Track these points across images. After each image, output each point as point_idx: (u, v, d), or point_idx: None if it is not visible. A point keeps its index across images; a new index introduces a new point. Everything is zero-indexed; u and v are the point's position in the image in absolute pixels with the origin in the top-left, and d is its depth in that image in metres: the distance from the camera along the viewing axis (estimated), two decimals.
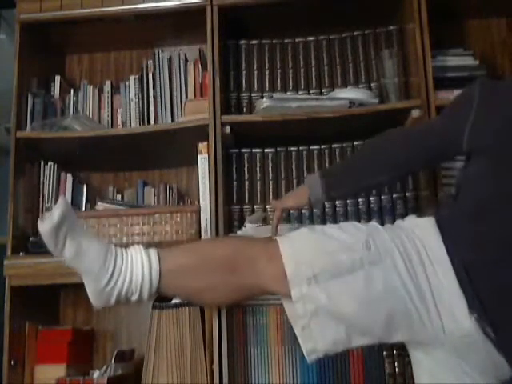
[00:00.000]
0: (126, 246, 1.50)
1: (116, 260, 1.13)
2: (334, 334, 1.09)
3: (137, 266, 1.13)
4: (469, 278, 1.07)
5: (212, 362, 1.55)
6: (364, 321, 1.09)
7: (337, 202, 1.76)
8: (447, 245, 1.10)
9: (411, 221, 1.21)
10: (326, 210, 1.76)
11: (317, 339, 1.10)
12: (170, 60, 1.99)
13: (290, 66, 1.88)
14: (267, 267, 1.13)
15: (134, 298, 1.15)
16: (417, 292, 1.07)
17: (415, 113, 1.63)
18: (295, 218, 1.75)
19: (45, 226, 1.08)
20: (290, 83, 1.87)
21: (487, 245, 1.09)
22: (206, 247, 1.26)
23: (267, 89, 1.86)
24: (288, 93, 1.86)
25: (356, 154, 1.37)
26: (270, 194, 1.77)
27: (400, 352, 1.59)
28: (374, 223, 1.19)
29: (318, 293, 1.08)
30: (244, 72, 1.87)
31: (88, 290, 1.15)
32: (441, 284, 1.08)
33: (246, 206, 1.78)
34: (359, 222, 1.25)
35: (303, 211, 1.76)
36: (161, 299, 1.59)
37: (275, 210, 1.47)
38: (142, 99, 1.99)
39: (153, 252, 1.16)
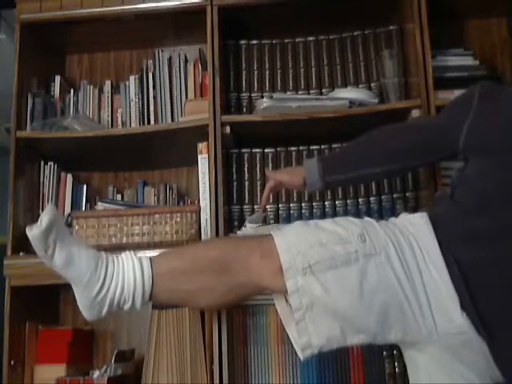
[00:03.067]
0: (126, 246, 1.50)
1: (107, 267, 1.12)
2: (328, 329, 1.09)
3: (128, 272, 1.13)
4: (462, 275, 1.07)
5: (212, 362, 1.55)
6: (358, 315, 1.09)
7: (337, 202, 1.76)
8: (441, 241, 1.11)
9: (404, 217, 1.22)
10: (326, 209, 1.76)
11: (311, 334, 1.09)
12: (169, 60, 1.99)
13: (290, 66, 1.88)
14: (261, 263, 1.13)
15: (127, 306, 1.14)
16: (410, 287, 1.08)
17: (415, 113, 1.64)
18: (295, 218, 1.75)
19: (33, 231, 1.07)
20: (290, 83, 1.87)
21: (485, 242, 1.09)
22: (197, 249, 1.25)
23: (267, 89, 1.86)
24: (288, 93, 1.86)
25: (355, 142, 1.36)
26: (270, 196, 1.77)
27: (400, 352, 1.58)
28: (368, 218, 1.20)
29: (313, 284, 1.08)
30: (244, 72, 1.87)
31: (79, 302, 1.14)
32: (434, 280, 1.08)
33: (246, 206, 1.78)
34: None
35: (303, 211, 1.76)
36: None
37: (268, 180, 1.48)
38: (142, 99, 1.99)
39: (144, 257, 1.16)
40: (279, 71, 1.88)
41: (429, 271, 1.09)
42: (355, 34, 1.88)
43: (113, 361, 1.68)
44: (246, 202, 1.78)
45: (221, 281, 1.15)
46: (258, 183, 1.78)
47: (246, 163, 1.80)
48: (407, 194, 1.75)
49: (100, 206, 1.80)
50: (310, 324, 1.09)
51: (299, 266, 1.09)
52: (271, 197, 1.75)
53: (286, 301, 1.16)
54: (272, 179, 1.47)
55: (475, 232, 1.11)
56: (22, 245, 1.71)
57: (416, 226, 1.15)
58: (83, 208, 1.95)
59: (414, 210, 1.69)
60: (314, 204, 1.77)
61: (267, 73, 1.87)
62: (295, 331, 1.11)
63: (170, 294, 1.19)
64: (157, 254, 1.24)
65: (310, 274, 1.08)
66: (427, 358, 1.13)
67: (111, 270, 1.13)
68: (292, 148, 1.80)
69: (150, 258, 1.16)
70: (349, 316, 1.09)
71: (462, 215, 1.14)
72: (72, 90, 2.04)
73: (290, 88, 1.87)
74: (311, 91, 1.87)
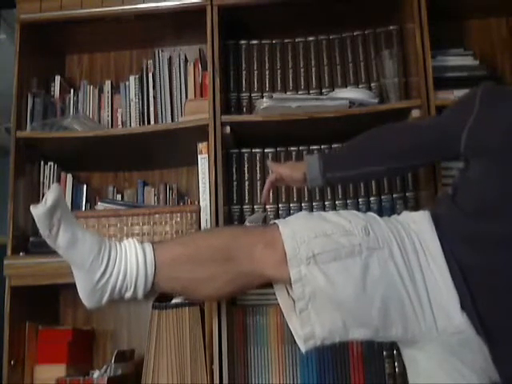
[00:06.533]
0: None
1: (110, 252, 1.11)
2: (331, 321, 1.09)
3: (131, 259, 1.11)
4: (462, 275, 1.07)
5: (212, 362, 1.55)
6: (360, 308, 1.09)
7: (337, 202, 1.76)
8: (442, 241, 1.11)
9: (407, 215, 1.22)
10: (326, 209, 1.76)
11: (314, 323, 1.09)
12: (169, 60, 1.99)
13: (289, 66, 1.88)
14: (265, 252, 1.12)
15: (129, 294, 1.12)
16: (412, 284, 1.08)
17: (415, 113, 1.64)
18: None
19: (38, 209, 1.05)
20: (290, 83, 1.87)
21: (486, 246, 1.09)
22: (201, 238, 1.24)
23: (267, 89, 1.86)
24: (288, 93, 1.86)
25: (357, 139, 1.36)
26: (271, 194, 1.77)
27: (400, 352, 1.59)
28: (371, 213, 1.20)
29: (316, 274, 1.08)
30: (244, 72, 1.87)
31: (80, 288, 1.12)
32: (435, 279, 1.08)
33: (245, 206, 1.78)
34: None
35: (303, 211, 1.75)
36: (161, 299, 1.59)
37: (270, 173, 1.48)
38: (142, 99, 1.99)
39: (147, 245, 1.15)
40: (279, 71, 1.88)
41: (430, 269, 1.09)
42: (355, 33, 1.88)
43: (113, 361, 1.68)
44: (246, 201, 1.78)
45: (224, 269, 1.14)
46: (258, 183, 1.78)
47: (245, 163, 1.80)
48: (407, 194, 1.75)
49: (100, 205, 1.80)
50: (312, 313, 1.09)
51: (303, 255, 1.09)
52: (271, 196, 1.76)
53: (288, 293, 1.16)
54: (274, 172, 1.46)
55: (476, 235, 1.10)
56: (22, 245, 1.71)
57: (418, 224, 1.15)
58: (83, 208, 1.95)
59: (414, 210, 1.67)
60: (314, 204, 1.77)
61: (267, 73, 1.87)
62: (297, 322, 1.10)
63: (172, 283, 1.17)
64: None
65: (313, 263, 1.08)
66: (427, 356, 1.13)
67: (114, 255, 1.11)
68: (292, 148, 1.80)
69: (153, 246, 1.15)
70: (351, 308, 1.09)
71: (463, 217, 1.14)
72: (72, 90, 2.04)
73: (290, 88, 1.87)
74: (311, 91, 1.87)
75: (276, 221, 1.17)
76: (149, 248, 1.14)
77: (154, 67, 2.00)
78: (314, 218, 1.17)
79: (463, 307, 1.06)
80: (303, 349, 1.10)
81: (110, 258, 1.11)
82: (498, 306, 1.07)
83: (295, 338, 1.12)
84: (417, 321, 1.08)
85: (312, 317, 1.09)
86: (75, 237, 1.09)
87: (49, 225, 1.07)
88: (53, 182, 1.89)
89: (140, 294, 1.13)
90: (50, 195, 1.06)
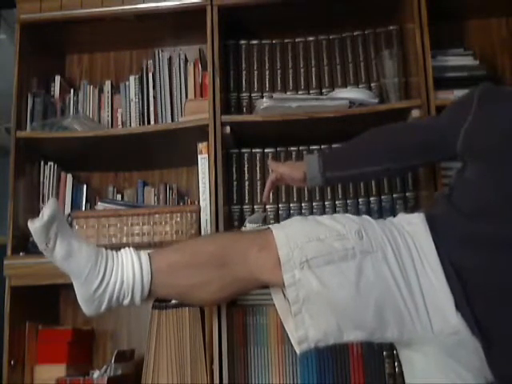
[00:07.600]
0: (126, 246, 1.50)
1: (107, 262, 1.13)
2: (325, 323, 1.09)
3: (127, 268, 1.13)
4: (457, 277, 1.07)
5: (212, 362, 1.55)
6: (355, 311, 1.09)
7: (337, 202, 1.76)
8: (437, 242, 1.11)
9: (402, 217, 1.22)
10: (327, 209, 1.76)
11: (308, 327, 1.09)
12: (170, 60, 1.99)
13: (289, 66, 1.88)
14: (259, 257, 1.13)
15: (126, 301, 1.15)
16: (406, 286, 1.08)
17: (415, 113, 1.64)
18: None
19: (35, 224, 1.08)
20: (290, 83, 1.87)
21: (483, 248, 1.08)
22: (196, 244, 1.25)
23: (267, 89, 1.86)
24: (288, 93, 1.86)
25: (356, 139, 1.37)
26: (270, 194, 1.77)
27: None
28: (366, 216, 1.20)
29: (310, 278, 1.08)
30: (244, 72, 1.87)
31: (78, 296, 1.15)
32: (429, 281, 1.08)
33: (246, 206, 1.78)
34: None
35: (303, 211, 1.76)
36: (161, 299, 1.59)
37: (271, 172, 1.49)
38: (142, 99, 1.99)
39: (143, 253, 1.16)
40: (279, 71, 1.88)
41: (425, 271, 1.09)
42: (355, 34, 1.88)
43: (113, 361, 1.68)
44: (246, 201, 1.78)
45: (220, 274, 1.15)
46: (258, 183, 1.78)
47: (245, 163, 1.80)
48: (407, 194, 1.75)
49: (100, 205, 1.80)
50: (306, 317, 1.09)
51: (297, 260, 1.09)
52: (271, 196, 1.76)
53: (284, 295, 1.16)
54: (274, 171, 1.47)
55: (475, 236, 1.10)
56: (22, 245, 1.71)
57: (413, 226, 1.15)
58: (83, 208, 1.95)
59: (414, 210, 1.68)
60: (314, 204, 1.77)
61: (267, 73, 1.88)
62: (293, 325, 1.11)
63: (169, 289, 1.19)
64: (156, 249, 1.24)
65: (307, 268, 1.09)
66: (424, 357, 1.13)
67: (111, 265, 1.13)
68: (292, 148, 1.80)
69: (149, 254, 1.16)
70: (345, 311, 1.09)
71: (460, 218, 1.13)
72: (72, 90, 2.04)
73: (290, 88, 1.87)
74: (311, 91, 1.87)
75: (270, 226, 1.18)
76: (145, 257, 1.15)
77: (154, 67, 2.00)
78: (308, 223, 1.17)
79: (458, 308, 1.06)
80: (298, 351, 1.11)
81: (107, 268, 1.13)
82: (497, 307, 1.07)
83: (291, 340, 1.12)
84: (412, 323, 1.07)
85: (306, 320, 1.09)
86: (72, 249, 1.12)
87: (45, 239, 1.10)
88: (53, 181, 1.89)
89: (137, 301, 1.16)
90: (46, 210, 1.08)
